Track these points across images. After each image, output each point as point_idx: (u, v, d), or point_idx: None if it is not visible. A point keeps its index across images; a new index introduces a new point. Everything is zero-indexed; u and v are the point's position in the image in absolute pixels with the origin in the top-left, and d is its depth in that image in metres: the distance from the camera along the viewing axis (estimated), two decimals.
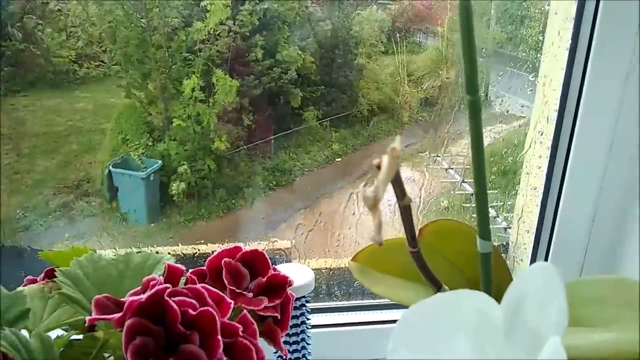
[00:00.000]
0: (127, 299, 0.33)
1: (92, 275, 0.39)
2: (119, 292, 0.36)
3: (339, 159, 2.40)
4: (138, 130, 2.15)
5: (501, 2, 1.76)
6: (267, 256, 0.56)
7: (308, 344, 0.70)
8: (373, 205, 0.21)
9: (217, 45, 2.16)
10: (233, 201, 2.20)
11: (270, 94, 2.32)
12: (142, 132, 2.15)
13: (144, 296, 0.33)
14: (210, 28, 2.05)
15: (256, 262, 0.56)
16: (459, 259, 0.44)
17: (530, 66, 0.75)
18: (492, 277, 0.39)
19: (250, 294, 0.54)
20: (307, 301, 0.68)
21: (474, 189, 0.37)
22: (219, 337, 0.36)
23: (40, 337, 0.33)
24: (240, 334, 0.40)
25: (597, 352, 0.38)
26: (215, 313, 0.36)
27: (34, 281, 0.45)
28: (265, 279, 0.55)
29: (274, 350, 0.63)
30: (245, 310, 0.44)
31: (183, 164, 2.10)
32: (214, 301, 0.38)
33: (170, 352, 0.32)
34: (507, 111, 1.16)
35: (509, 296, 0.31)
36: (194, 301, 0.34)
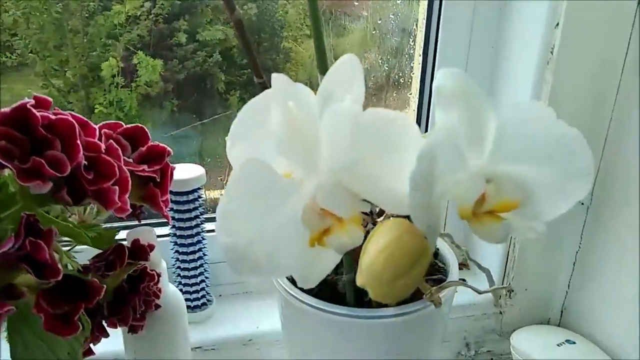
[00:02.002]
0: None
1: None
2: None
3: None
4: None
5: None
6: (147, 131, 0.63)
7: (204, 238, 0.78)
8: None
9: (138, 29, 2.18)
10: None
11: (195, 79, 2.36)
12: None
13: (8, 109, 0.39)
14: (129, 10, 2.07)
15: (138, 137, 0.63)
16: None
17: None
18: None
19: (131, 160, 0.61)
20: (199, 196, 0.75)
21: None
22: (78, 142, 0.43)
23: None
24: (103, 151, 0.47)
25: None
26: (73, 121, 0.43)
27: None
28: (145, 148, 0.62)
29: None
30: (111, 140, 0.51)
31: None
32: (78, 124, 0.45)
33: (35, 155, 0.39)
34: None
35: (325, 80, 0.40)
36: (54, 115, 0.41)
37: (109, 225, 0.79)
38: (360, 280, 0.38)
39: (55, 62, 2.22)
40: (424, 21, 0.79)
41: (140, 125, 0.62)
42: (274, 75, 0.39)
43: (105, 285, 0.48)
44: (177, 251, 0.79)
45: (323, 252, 0.42)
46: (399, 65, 2.26)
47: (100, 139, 0.56)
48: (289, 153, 0.38)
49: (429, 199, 0.36)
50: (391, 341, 0.58)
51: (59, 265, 0.44)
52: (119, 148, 0.60)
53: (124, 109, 2.23)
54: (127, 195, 0.50)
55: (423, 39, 0.79)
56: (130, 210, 0.51)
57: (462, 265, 0.99)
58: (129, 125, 0.61)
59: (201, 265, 0.80)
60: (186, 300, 0.82)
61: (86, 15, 2.17)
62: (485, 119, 0.39)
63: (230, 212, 0.39)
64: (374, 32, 2.69)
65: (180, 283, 0.81)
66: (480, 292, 0.59)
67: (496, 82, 0.78)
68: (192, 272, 0.79)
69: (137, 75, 2.19)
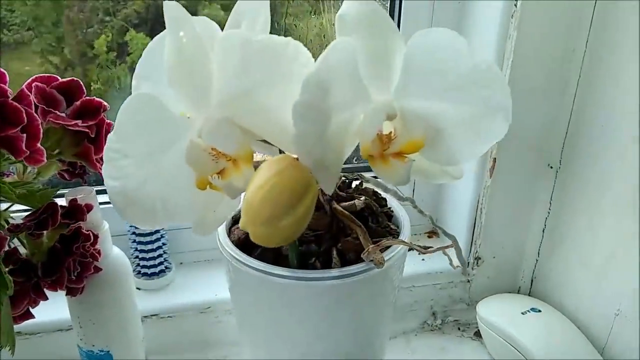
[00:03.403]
0: None
1: None
2: None
3: None
4: None
5: None
6: (82, 85, 0.60)
7: None
8: None
9: (134, 5, 2.16)
10: None
11: None
12: None
13: None
14: None
15: (73, 91, 0.60)
16: None
17: None
18: None
19: (64, 114, 0.58)
20: None
21: None
22: None
23: None
24: (10, 96, 0.44)
25: None
26: None
27: None
28: (79, 102, 0.59)
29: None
30: (24, 86, 0.48)
31: None
32: None
33: None
34: None
35: (232, 13, 0.37)
36: None
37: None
38: (241, 222, 0.35)
39: (52, 38, 2.21)
40: None
41: (75, 78, 0.59)
42: (166, 3, 0.36)
43: (8, 237, 0.46)
44: None
45: (219, 197, 0.39)
46: None
47: (30, 92, 0.53)
48: (178, 85, 0.35)
49: (320, 132, 0.32)
50: (336, 305, 0.55)
51: None
52: (53, 101, 0.57)
53: (121, 85, 2.22)
54: (38, 143, 0.47)
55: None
56: (45, 160, 0.48)
57: (432, 234, 0.96)
58: (63, 79, 0.59)
59: (157, 231, 0.78)
60: (143, 267, 0.80)
61: None
62: (393, 51, 0.35)
63: (117, 153, 0.36)
64: None
65: (136, 249, 0.79)
66: (424, 252, 0.56)
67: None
68: (148, 238, 0.77)
69: (130, 52, 2.17)
